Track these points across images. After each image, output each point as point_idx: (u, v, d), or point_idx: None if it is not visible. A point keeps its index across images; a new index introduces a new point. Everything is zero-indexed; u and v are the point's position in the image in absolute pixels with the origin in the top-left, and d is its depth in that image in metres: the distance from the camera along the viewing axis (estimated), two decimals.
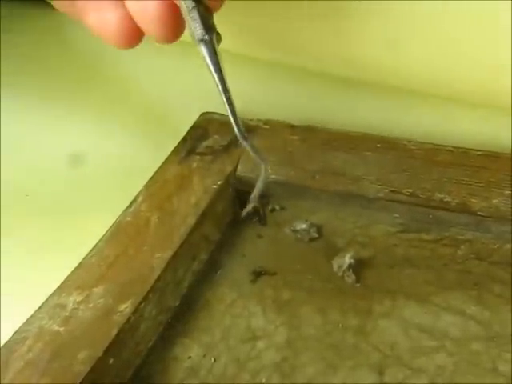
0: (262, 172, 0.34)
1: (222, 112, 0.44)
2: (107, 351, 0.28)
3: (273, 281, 0.35)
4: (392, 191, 0.37)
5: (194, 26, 0.31)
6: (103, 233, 0.34)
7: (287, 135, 0.41)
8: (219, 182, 0.37)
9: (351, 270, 0.35)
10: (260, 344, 0.32)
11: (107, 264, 0.32)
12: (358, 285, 0.34)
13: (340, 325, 0.32)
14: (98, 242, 0.34)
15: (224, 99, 0.32)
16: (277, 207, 0.39)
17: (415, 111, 0.46)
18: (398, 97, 0.46)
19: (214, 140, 0.41)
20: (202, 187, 0.37)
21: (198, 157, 0.39)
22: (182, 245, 0.34)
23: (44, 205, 0.43)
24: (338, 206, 0.38)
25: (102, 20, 0.35)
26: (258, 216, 0.39)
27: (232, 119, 0.32)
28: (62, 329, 0.29)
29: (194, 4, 0.30)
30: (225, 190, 0.38)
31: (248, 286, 0.35)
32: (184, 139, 0.41)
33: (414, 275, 0.35)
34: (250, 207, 0.38)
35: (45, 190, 0.44)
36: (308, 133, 0.41)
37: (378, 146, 0.40)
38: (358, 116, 0.47)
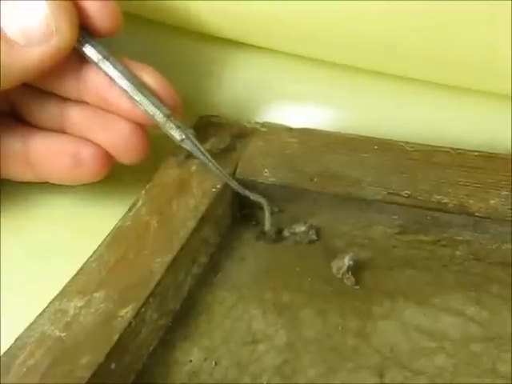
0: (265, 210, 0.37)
1: (220, 115, 0.44)
2: (109, 356, 0.28)
3: (272, 283, 0.35)
4: (390, 193, 0.37)
5: (171, 133, 0.37)
6: (103, 237, 0.35)
7: (285, 138, 0.41)
8: (218, 186, 0.37)
9: (350, 272, 0.35)
10: (260, 347, 0.32)
11: (107, 269, 0.32)
12: (357, 287, 0.35)
13: (340, 327, 0.33)
14: (99, 247, 0.34)
15: (217, 173, 0.37)
16: (275, 210, 0.39)
17: (412, 111, 0.46)
18: (396, 96, 0.46)
19: (213, 143, 0.41)
20: (202, 191, 0.37)
21: (196, 160, 0.39)
22: (181, 248, 0.34)
23: (44, 208, 0.43)
24: (336, 208, 0.38)
25: (76, 162, 0.38)
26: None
27: (232, 184, 0.38)
28: (63, 334, 0.29)
29: (166, 117, 0.37)
30: (224, 193, 0.38)
31: (248, 288, 0.35)
32: None
33: (413, 276, 0.35)
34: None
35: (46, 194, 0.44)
36: (306, 135, 0.41)
37: (376, 148, 0.40)
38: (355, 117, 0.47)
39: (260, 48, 0.46)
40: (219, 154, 0.40)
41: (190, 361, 0.31)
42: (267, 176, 0.38)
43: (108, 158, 0.39)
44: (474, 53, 0.39)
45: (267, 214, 0.37)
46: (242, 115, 0.45)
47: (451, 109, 0.45)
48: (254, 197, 0.37)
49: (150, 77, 0.38)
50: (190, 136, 0.38)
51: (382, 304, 0.34)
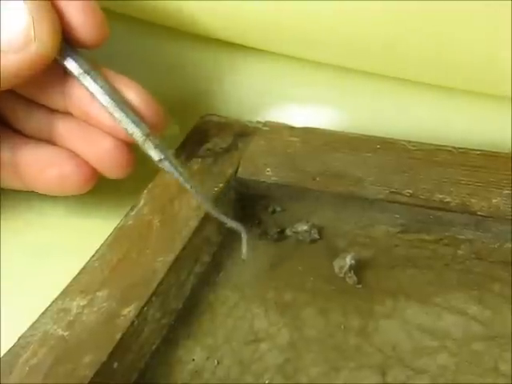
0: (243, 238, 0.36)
1: (221, 114, 0.44)
2: (112, 355, 0.28)
3: (274, 282, 0.35)
4: (392, 192, 0.37)
5: (150, 153, 0.36)
6: (106, 236, 0.35)
7: (287, 137, 0.41)
8: (220, 185, 0.37)
9: (352, 271, 0.35)
10: (263, 346, 0.32)
11: (110, 268, 0.33)
12: (359, 286, 0.35)
13: (342, 326, 0.33)
14: (101, 246, 0.34)
15: (196, 196, 0.36)
16: (277, 209, 0.39)
17: (414, 111, 0.46)
18: (397, 96, 0.46)
19: (215, 142, 0.41)
20: (204, 190, 0.37)
21: (198, 159, 0.39)
22: (184, 248, 0.34)
23: (46, 208, 0.44)
24: (338, 207, 0.38)
25: (62, 174, 0.38)
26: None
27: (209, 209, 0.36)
28: (66, 333, 0.29)
29: (145, 136, 0.36)
30: (226, 192, 0.38)
31: (250, 287, 0.35)
32: (184, 142, 0.41)
33: (415, 275, 0.35)
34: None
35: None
36: (308, 134, 0.41)
37: (378, 147, 0.40)
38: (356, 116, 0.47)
39: (261, 50, 0.46)
40: (221, 154, 0.40)
41: (193, 360, 0.32)
42: (269, 175, 0.39)
43: (93, 172, 0.38)
44: (474, 56, 0.39)
45: (244, 241, 0.36)
46: (244, 116, 0.45)
47: (452, 109, 0.45)
48: (230, 223, 0.36)
49: (132, 92, 0.37)
50: (170, 157, 0.36)
51: (384, 303, 0.34)
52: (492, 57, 0.38)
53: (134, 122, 0.36)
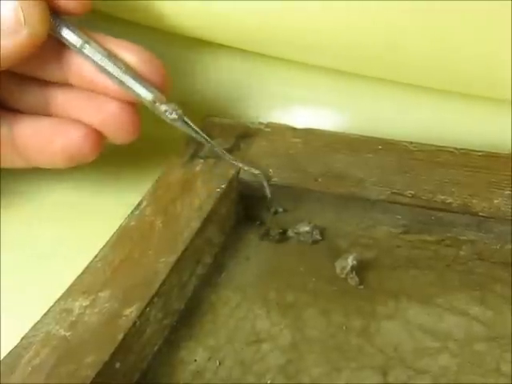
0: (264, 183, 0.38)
1: (224, 116, 0.44)
2: (114, 355, 0.28)
3: (276, 283, 0.35)
4: (394, 193, 0.37)
5: (160, 114, 0.37)
6: (108, 237, 0.35)
7: (289, 138, 0.41)
8: (223, 186, 0.38)
9: (354, 272, 0.35)
10: (265, 346, 0.32)
11: (112, 268, 0.33)
12: (361, 287, 0.35)
13: (344, 327, 0.33)
14: (103, 247, 0.34)
15: (212, 149, 0.39)
16: (279, 210, 0.39)
17: (415, 113, 0.46)
18: (398, 98, 0.46)
19: (217, 143, 0.41)
20: (206, 191, 0.37)
21: (201, 160, 0.39)
22: (186, 249, 0.34)
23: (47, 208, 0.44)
24: (340, 208, 0.38)
25: (69, 143, 0.38)
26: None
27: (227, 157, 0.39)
28: (68, 334, 0.29)
29: (154, 98, 0.37)
30: (228, 193, 0.38)
31: (252, 288, 0.35)
32: (187, 143, 0.41)
33: (417, 276, 0.35)
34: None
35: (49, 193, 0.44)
36: (310, 135, 0.41)
37: (380, 147, 0.40)
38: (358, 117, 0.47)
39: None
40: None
41: (195, 360, 0.32)
42: (271, 176, 0.39)
43: (99, 137, 0.38)
44: (474, 61, 0.39)
45: (265, 185, 0.38)
46: (246, 118, 0.45)
47: (452, 110, 0.45)
48: (249, 169, 0.38)
49: (134, 54, 0.37)
50: (181, 115, 0.37)
51: (386, 304, 0.34)
52: (492, 61, 0.38)
53: (141, 85, 0.36)
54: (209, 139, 0.38)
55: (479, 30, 0.37)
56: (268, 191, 0.38)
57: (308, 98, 0.49)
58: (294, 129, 0.42)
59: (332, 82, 0.47)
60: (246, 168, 0.38)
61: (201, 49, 0.48)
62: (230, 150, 0.40)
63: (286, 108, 0.49)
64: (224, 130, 0.42)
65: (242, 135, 0.42)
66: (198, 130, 0.38)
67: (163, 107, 0.37)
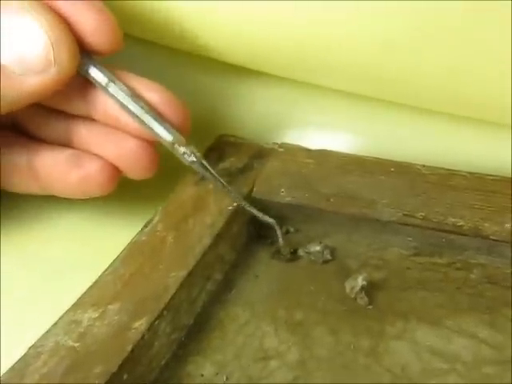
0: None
1: (238, 135, 0.45)
2: (122, 367, 0.28)
3: (286, 301, 0.35)
4: (405, 215, 0.37)
5: (180, 157, 0.38)
6: (119, 252, 0.35)
7: (302, 158, 0.42)
8: (235, 204, 0.38)
9: (364, 292, 0.35)
10: (272, 363, 0.32)
11: (123, 282, 0.33)
12: (370, 307, 0.35)
13: (352, 346, 0.33)
14: (114, 261, 0.34)
15: (229, 194, 0.38)
16: (291, 229, 0.40)
17: (429, 137, 0.46)
18: (412, 122, 0.47)
19: (231, 162, 0.41)
20: (218, 208, 0.38)
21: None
22: (196, 264, 0.34)
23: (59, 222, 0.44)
24: (351, 228, 0.38)
25: (85, 175, 0.38)
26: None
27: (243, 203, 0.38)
28: (77, 344, 0.29)
29: (174, 140, 0.38)
30: (240, 211, 0.38)
31: (261, 306, 0.35)
32: None
33: (427, 298, 0.35)
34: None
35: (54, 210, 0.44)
36: (323, 156, 0.42)
37: (392, 170, 0.40)
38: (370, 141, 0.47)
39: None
40: (237, 174, 0.40)
41: (202, 375, 0.32)
42: (283, 195, 0.39)
43: (115, 171, 0.39)
44: (488, 87, 0.39)
45: (279, 233, 0.38)
46: (261, 139, 0.46)
47: (466, 135, 0.45)
48: (263, 218, 0.38)
49: (155, 94, 0.38)
50: (200, 158, 0.38)
51: (395, 324, 0.34)
52: (506, 88, 0.38)
53: (161, 125, 0.37)
54: (226, 184, 0.38)
55: (493, 59, 0.38)
56: (281, 239, 0.38)
57: (322, 121, 0.49)
58: (308, 150, 0.42)
59: (345, 105, 0.48)
60: (260, 216, 0.38)
61: (216, 71, 0.49)
62: (242, 170, 0.41)
63: (300, 131, 0.49)
64: (238, 149, 0.43)
65: (256, 155, 0.42)
66: (215, 174, 0.38)
67: (182, 149, 0.38)
